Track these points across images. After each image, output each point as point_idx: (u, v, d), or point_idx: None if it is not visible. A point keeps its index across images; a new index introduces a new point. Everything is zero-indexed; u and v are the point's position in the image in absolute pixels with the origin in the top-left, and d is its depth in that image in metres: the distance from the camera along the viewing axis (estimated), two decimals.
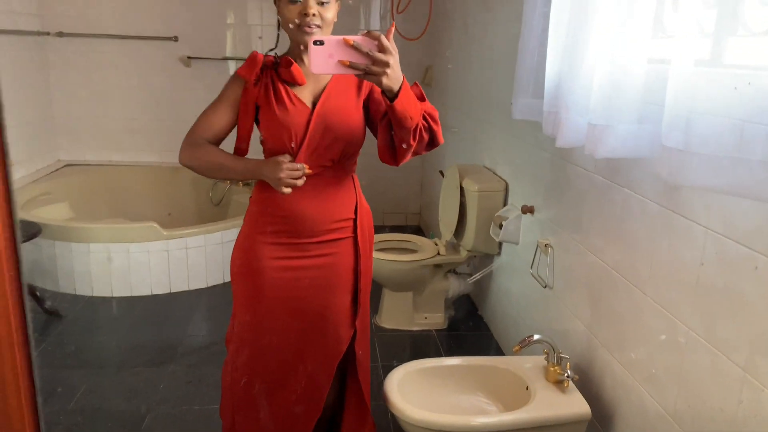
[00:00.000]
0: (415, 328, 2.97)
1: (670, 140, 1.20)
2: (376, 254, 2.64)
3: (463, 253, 2.84)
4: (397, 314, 2.97)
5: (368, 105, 1.58)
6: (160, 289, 3.27)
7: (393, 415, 1.68)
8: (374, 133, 1.57)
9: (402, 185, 4.57)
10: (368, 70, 1.25)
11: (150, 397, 2.36)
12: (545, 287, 2.20)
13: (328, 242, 1.61)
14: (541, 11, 1.91)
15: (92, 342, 2.80)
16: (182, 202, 4.17)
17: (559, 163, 2.12)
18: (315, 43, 1.24)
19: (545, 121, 1.74)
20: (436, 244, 2.94)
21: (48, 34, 3.99)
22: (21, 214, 3.18)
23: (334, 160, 1.56)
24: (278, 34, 1.56)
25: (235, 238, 1.68)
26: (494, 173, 2.83)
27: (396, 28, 1.30)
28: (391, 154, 1.49)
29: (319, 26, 1.44)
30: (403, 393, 1.71)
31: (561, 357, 1.78)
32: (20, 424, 0.71)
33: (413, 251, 2.94)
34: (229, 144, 1.58)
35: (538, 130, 1.83)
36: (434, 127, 1.44)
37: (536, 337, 1.77)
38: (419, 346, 2.86)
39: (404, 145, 1.42)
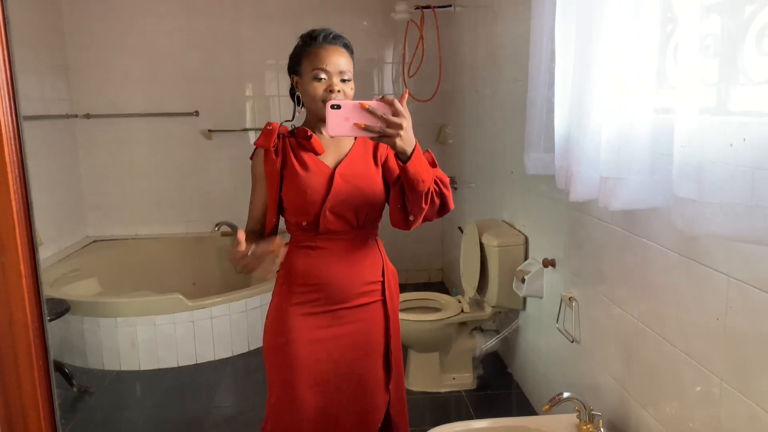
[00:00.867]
0: (443, 390, 2.90)
1: (682, 190, 1.19)
2: (400, 315, 2.61)
3: (488, 310, 2.80)
4: (424, 376, 2.91)
5: (383, 171, 1.62)
6: (186, 360, 3.28)
7: None
8: (386, 199, 1.60)
9: (423, 242, 4.58)
10: (383, 133, 1.29)
11: None
12: (572, 342, 2.15)
13: (359, 307, 1.62)
14: (547, 66, 1.94)
15: (121, 417, 2.79)
16: (207, 271, 4.21)
17: (577, 215, 2.11)
18: (332, 107, 1.29)
19: (558, 175, 1.75)
20: (460, 302, 2.91)
21: (76, 116, 4.18)
22: (51, 292, 3.25)
23: (359, 224, 1.58)
24: (294, 107, 1.61)
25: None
26: (513, 227, 2.82)
27: (408, 92, 1.35)
28: (403, 218, 1.52)
29: None
30: None
31: (593, 414, 1.72)
32: None
33: (437, 310, 2.91)
34: None
35: (554, 183, 1.83)
36: (445, 192, 1.47)
37: (566, 395, 1.72)
38: (449, 408, 2.79)
39: (416, 209, 1.44)
